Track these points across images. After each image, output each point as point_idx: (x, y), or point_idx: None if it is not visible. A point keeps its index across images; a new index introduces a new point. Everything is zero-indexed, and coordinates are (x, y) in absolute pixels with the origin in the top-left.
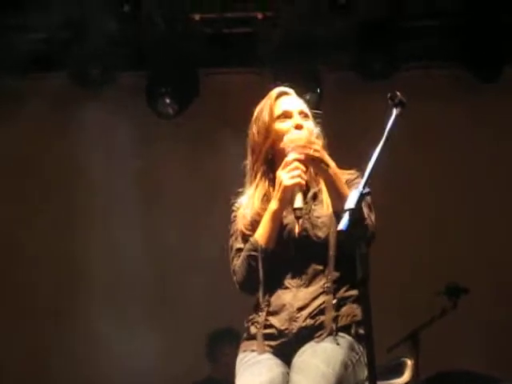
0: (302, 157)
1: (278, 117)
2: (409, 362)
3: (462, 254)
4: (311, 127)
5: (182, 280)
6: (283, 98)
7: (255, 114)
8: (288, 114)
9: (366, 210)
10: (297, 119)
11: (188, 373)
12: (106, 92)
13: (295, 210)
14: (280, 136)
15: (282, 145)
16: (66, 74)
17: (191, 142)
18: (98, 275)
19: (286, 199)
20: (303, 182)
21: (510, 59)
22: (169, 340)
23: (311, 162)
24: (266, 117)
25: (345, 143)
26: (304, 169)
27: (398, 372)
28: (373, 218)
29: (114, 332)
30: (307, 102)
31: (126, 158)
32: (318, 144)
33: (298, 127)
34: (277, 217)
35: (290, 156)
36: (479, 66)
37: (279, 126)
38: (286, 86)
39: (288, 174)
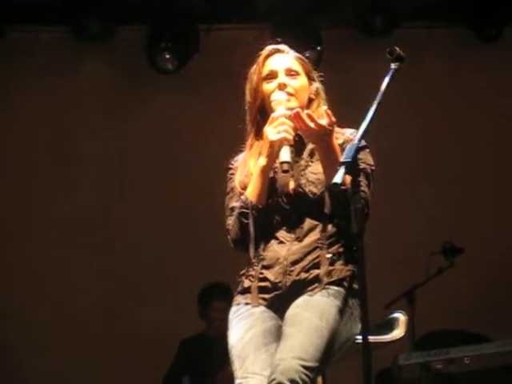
0: (289, 112)
1: (265, 77)
2: (402, 318)
3: (459, 214)
4: (300, 84)
5: (173, 237)
6: (273, 57)
7: (249, 73)
8: (274, 74)
9: (363, 182)
10: (280, 78)
11: (182, 330)
12: (106, 46)
13: (282, 163)
14: (266, 96)
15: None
16: (66, 27)
17: (191, 98)
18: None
19: (273, 154)
20: (290, 137)
21: (511, 19)
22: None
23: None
24: (254, 77)
25: (345, 100)
26: (291, 124)
27: (392, 327)
28: (368, 191)
29: None
30: (307, 59)
31: (126, 112)
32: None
33: (281, 87)
34: (265, 172)
35: (277, 112)
36: (481, 25)
37: (265, 86)
38: (285, 43)
39: (274, 129)
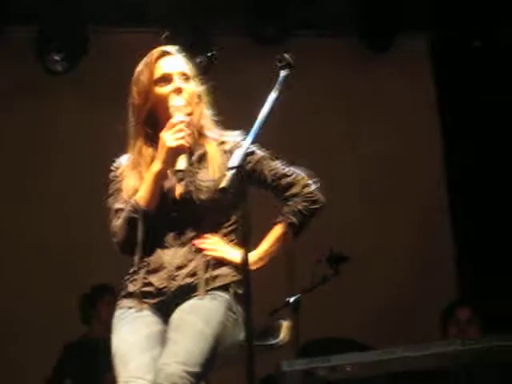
0: (187, 119)
1: (158, 80)
2: (285, 324)
3: (347, 222)
4: (192, 89)
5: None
6: (164, 59)
7: (135, 74)
8: (168, 77)
9: (274, 166)
10: (177, 82)
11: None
12: None
13: (177, 171)
14: (160, 99)
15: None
16: None
17: (81, 100)
18: None
19: (169, 161)
20: (187, 145)
21: (402, 29)
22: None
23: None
24: (145, 79)
25: (236, 107)
26: (188, 131)
27: (276, 333)
28: (287, 170)
29: None
30: (198, 66)
31: (14, 112)
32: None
33: (178, 91)
34: (159, 178)
35: (176, 118)
36: (372, 35)
37: (159, 90)
38: (175, 48)
39: (172, 136)
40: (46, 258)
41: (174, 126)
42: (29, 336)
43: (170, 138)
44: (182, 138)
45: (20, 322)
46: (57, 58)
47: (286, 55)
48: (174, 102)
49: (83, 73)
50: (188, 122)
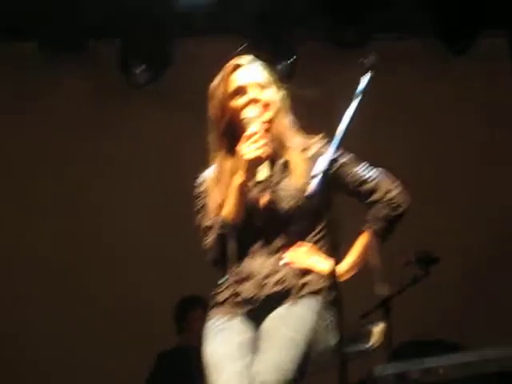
0: (261, 130)
1: (233, 93)
2: (377, 329)
3: (432, 222)
4: (269, 97)
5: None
6: (238, 72)
7: (211, 88)
8: (242, 90)
9: (359, 170)
10: (251, 94)
11: (156, 342)
12: (79, 59)
13: (258, 183)
14: (236, 112)
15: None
16: (34, 44)
17: (165, 112)
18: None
19: (249, 173)
20: (264, 155)
21: (482, 30)
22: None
23: None
24: (220, 94)
25: (319, 112)
26: (264, 141)
27: (368, 338)
28: (371, 173)
29: None
30: (279, 72)
31: (97, 125)
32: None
33: (252, 102)
34: (242, 191)
35: (250, 130)
36: (451, 37)
37: (234, 103)
38: (251, 57)
39: (249, 148)
40: (145, 270)
41: (249, 138)
42: (120, 345)
43: (246, 150)
44: (258, 148)
45: (116, 326)
46: (140, 70)
47: (371, 57)
48: (248, 113)
49: (167, 84)
50: (264, 130)
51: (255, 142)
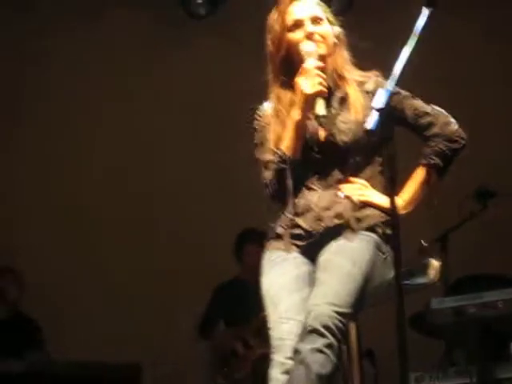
0: (320, 63)
1: (290, 26)
2: (435, 263)
3: (494, 157)
4: (326, 31)
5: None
6: (295, 5)
7: (268, 21)
8: (299, 23)
9: (418, 105)
10: (307, 27)
11: (218, 273)
12: None
13: (318, 117)
14: (292, 45)
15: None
16: None
17: (223, 43)
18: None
19: (308, 107)
20: (325, 90)
21: None
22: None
23: None
24: (277, 27)
25: (376, 45)
26: (324, 76)
27: (425, 272)
28: (430, 109)
29: None
30: (337, 5)
31: (158, 57)
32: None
33: (310, 36)
34: (300, 126)
35: (308, 63)
36: None
37: (291, 36)
38: None
39: (308, 82)
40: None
41: (307, 71)
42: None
43: (305, 84)
44: (319, 83)
45: (170, 263)
46: (200, 1)
47: None
48: (305, 46)
49: (225, 16)
50: (321, 64)
51: (315, 75)
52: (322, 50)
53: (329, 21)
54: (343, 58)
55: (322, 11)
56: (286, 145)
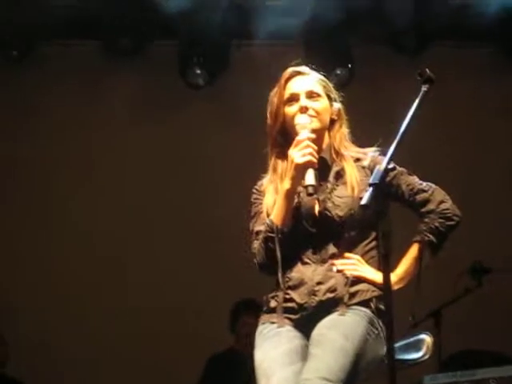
0: (313, 136)
1: (287, 100)
2: (428, 339)
3: (487, 234)
4: (322, 107)
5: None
6: (294, 80)
7: (270, 96)
8: (295, 97)
9: (412, 181)
10: (302, 101)
11: (212, 344)
12: (137, 60)
13: (307, 186)
14: (288, 119)
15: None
16: (97, 43)
17: (220, 113)
18: None
19: (298, 178)
20: (314, 160)
21: None
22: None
23: None
24: (276, 100)
25: (375, 118)
26: (315, 147)
27: (418, 348)
28: (425, 186)
29: None
30: (337, 77)
31: (155, 126)
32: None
33: (303, 110)
34: (290, 196)
35: (301, 135)
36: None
37: (287, 109)
38: (315, 61)
39: (299, 152)
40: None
41: (300, 142)
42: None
43: (297, 154)
44: (309, 153)
45: (170, 324)
46: (198, 71)
47: (427, 70)
48: (299, 119)
49: (223, 87)
50: (313, 137)
51: (306, 147)
52: (315, 125)
53: (329, 97)
54: (342, 134)
55: (321, 87)
56: (275, 213)
